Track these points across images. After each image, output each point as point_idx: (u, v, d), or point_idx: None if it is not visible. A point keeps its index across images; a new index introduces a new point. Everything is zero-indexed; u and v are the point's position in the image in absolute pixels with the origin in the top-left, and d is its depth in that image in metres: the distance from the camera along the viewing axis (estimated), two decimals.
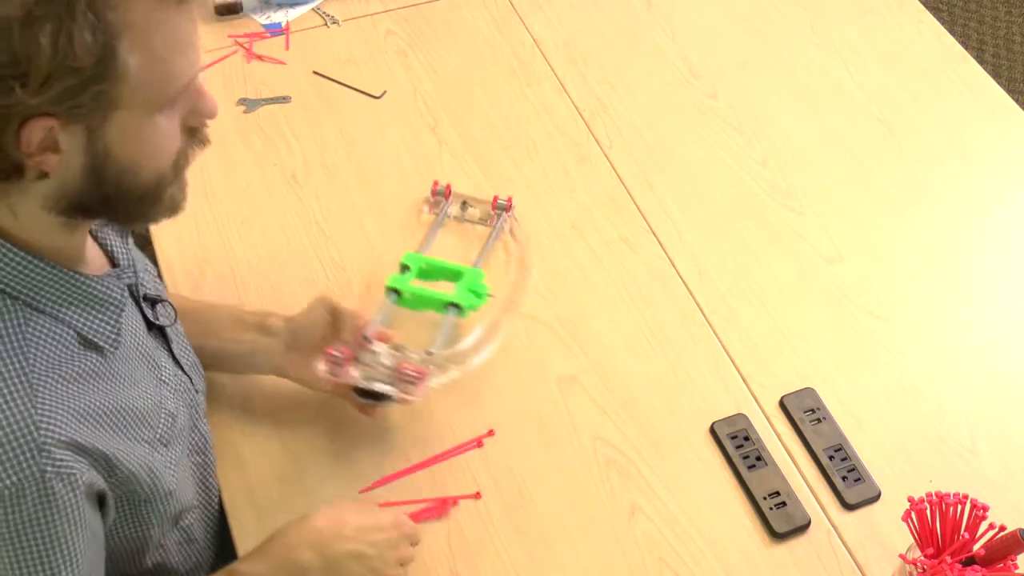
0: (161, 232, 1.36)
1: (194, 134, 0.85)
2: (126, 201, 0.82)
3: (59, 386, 0.82)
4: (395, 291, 1.23)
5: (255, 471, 1.15)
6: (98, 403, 0.85)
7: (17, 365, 0.79)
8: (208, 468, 1.10)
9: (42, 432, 0.78)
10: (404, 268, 1.27)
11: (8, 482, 0.77)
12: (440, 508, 1.13)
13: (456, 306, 1.22)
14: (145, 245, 1.33)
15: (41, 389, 0.80)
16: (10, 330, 0.80)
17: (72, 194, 0.79)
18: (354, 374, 1.11)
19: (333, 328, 1.15)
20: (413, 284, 1.24)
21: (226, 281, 1.32)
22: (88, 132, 0.76)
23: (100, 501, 0.87)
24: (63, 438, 0.80)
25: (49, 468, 0.78)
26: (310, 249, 1.36)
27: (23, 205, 0.80)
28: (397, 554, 1.03)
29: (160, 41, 0.75)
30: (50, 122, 0.73)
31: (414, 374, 1.10)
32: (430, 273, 1.28)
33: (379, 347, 1.13)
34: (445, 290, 1.24)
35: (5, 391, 0.78)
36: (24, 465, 0.77)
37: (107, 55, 0.72)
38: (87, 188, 0.79)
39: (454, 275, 1.26)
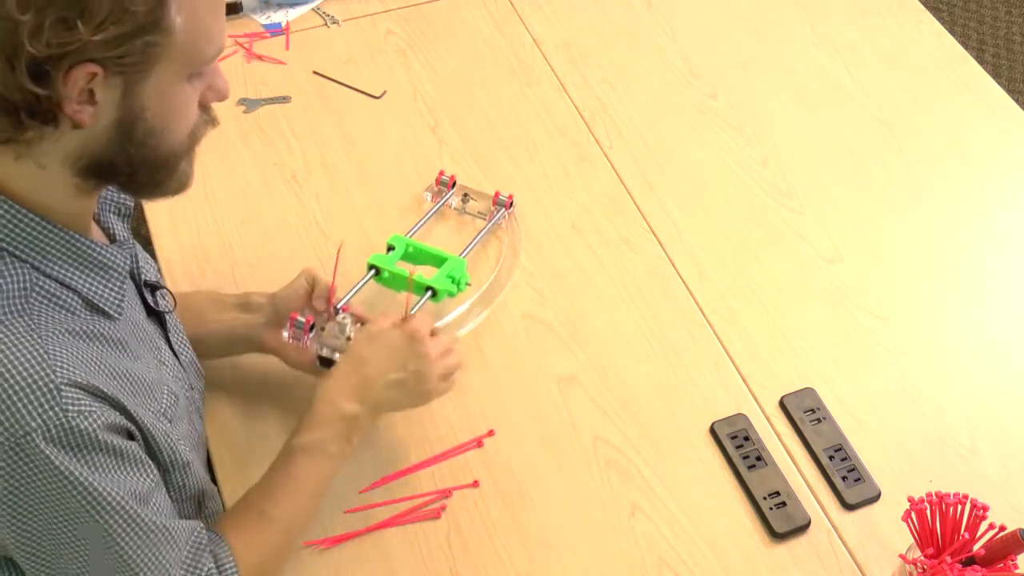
0: (161, 232, 1.36)
1: (205, 112, 0.89)
2: (147, 164, 0.84)
3: (67, 339, 0.83)
4: (375, 269, 1.23)
5: (255, 471, 1.14)
6: (106, 361, 0.87)
7: (24, 323, 0.81)
8: (203, 465, 1.10)
9: (57, 374, 0.80)
10: (389, 249, 1.27)
11: (34, 424, 0.78)
12: (441, 497, 1.13)
13: (432, 291, 1.21)
14: (145, 245, 1.33)
15: (50, 341, 0.82)
16: (16, 292, 0.82)
17: (96, 152, 0.81)
18: (313, 341, 1.12)
19: (311, 299, 1.17)
20: (396, 265, 1.24)
21: (226, 281, 1.32)
22: (125, 86, 0.79)
23: (129, 436, 0.88)
24: (79, 380, 0.81)
25: (70, 407, 0.80)
26: (310, 249, 1.36)
27: (49, 158, 0.81)
28: (439, 366, 1.07)
29: (204, 3, 0.80)
30: (95, 69, 0.75)
31: None
32: (415, 256, 1.28)
33: (345, 319, 1.13)
34: (425, 274, 1.24)
35: (15, 343, 0.80)
36: (46, 406, 0.79)
37: (160, 6, 0.76)
38: (113, 146, 0.81)
39: (438, 261, 1.26)
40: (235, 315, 1.17)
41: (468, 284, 1.26)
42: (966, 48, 1.71)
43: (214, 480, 1.14)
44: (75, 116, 0.77)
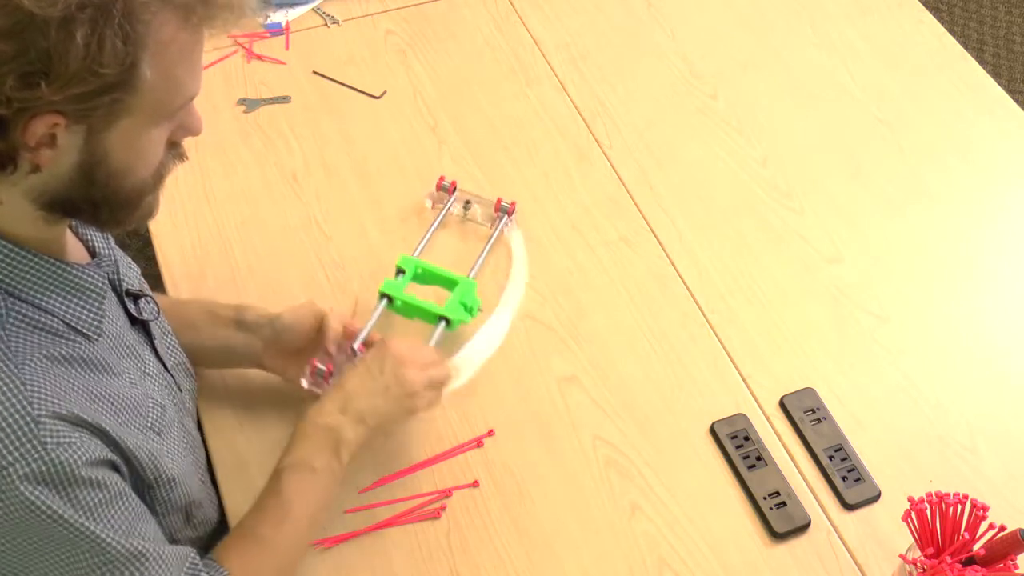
0: (161, 232, 1.36)
1: (174, 148, 0.87)
2: (110, 204, 0.83)
3: (45, 365, 0.82)
4: (387, 297, 1.23)
5: (255, 471, 1.15)
6: (86, 385, 0.86)
7: (1, 351, 0.80)
8: (200, 467, 1.10)
9: (35, 406, 0.79)
10: (399, 272, 1.27)
11: (11, 458, 0.77)
12: (440, 498, 1.13)
13: (446, 320, 1.21)
14: (145, 245, 1.33)
15: (28, 369, 0.80)
16: None
17: (57, 190, 0.80)
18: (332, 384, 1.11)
19: (318, 335, 1.15)
20: (407, 292, 1.24)
21: (226, 282, 1.31)
22: (88, 133, 0.77)
23: (112, 467, 0.87)
24: (58, 411, 0.80)
25: (49, 439, 0.79)
26: (310, 249, 1.36)
27: (8, 194, 0.80)
28: (422, 374, 1.06)
29: (177, 59, 0.78)
30: (58, 119, 0.74)
31: None
32: (425, 278, 1.28)
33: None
34: (437, 301, 1.24)
35: None
36: (24, 439, 0.78)
37: (130, 65, 0.74)
38: (74, 186, 0.80)
39: (448, 283, 1.26)
40: (230, 332, 1.16)
41: (480, 310, 1.25)
42: (966, 48, 1.71)
43: (214, 481, 1.14)
44: (33, 160, 0.76)
